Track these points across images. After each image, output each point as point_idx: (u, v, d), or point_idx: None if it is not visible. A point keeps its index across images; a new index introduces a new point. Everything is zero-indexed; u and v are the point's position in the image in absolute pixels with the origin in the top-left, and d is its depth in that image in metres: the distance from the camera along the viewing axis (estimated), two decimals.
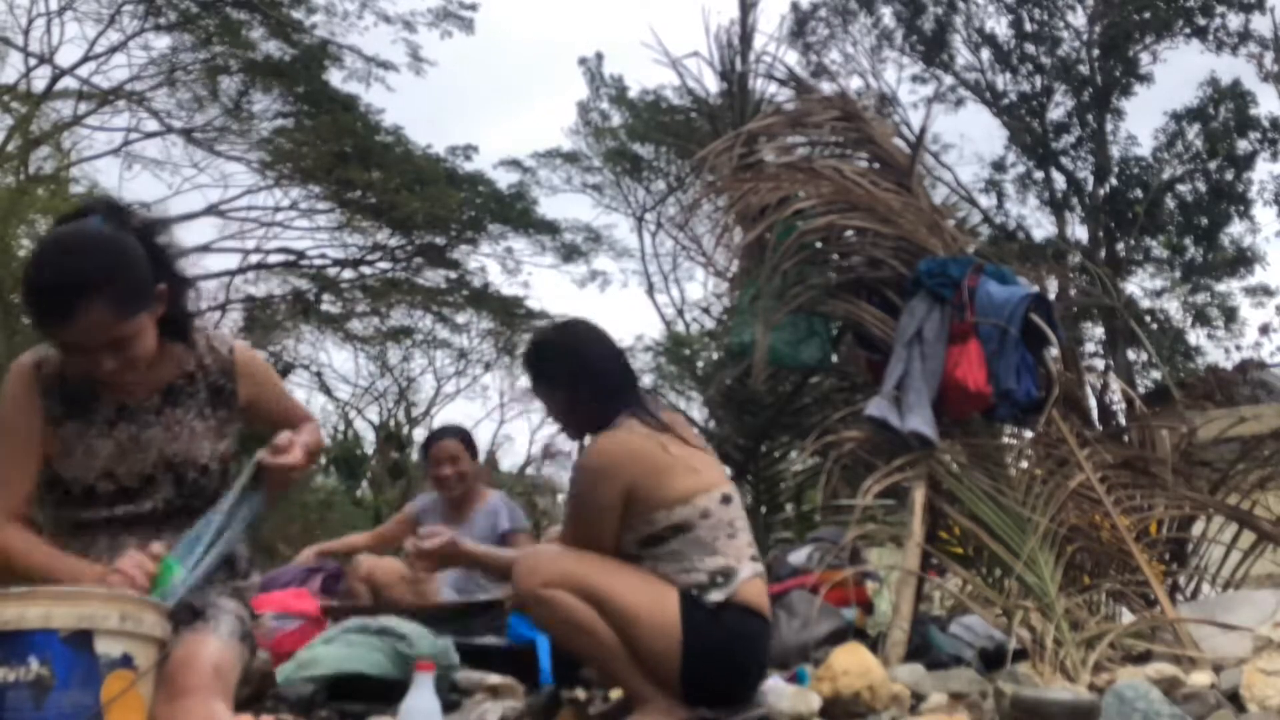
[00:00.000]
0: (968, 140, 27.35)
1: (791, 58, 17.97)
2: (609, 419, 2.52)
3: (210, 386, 2.12)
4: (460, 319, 17.84)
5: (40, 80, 12.55)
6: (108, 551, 1.96)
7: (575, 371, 2.59)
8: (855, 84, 22.65)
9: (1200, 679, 2.59)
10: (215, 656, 1.89)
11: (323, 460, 13.45)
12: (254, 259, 15.38)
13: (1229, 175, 16.90)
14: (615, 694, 2.67)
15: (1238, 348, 16.69)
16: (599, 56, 19.38)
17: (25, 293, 1.89)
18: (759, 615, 2.46)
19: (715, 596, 2.38)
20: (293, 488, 2.16)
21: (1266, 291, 17.37)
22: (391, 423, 18.33)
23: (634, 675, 2.39)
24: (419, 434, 18.22)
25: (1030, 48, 17.71)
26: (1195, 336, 17.42)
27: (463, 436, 4.47)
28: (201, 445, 2.08)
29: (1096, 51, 17.26)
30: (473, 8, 14.53)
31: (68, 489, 2.02)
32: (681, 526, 2.42)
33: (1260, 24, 16.77)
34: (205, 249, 14.91)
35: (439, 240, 15.87)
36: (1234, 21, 16.54)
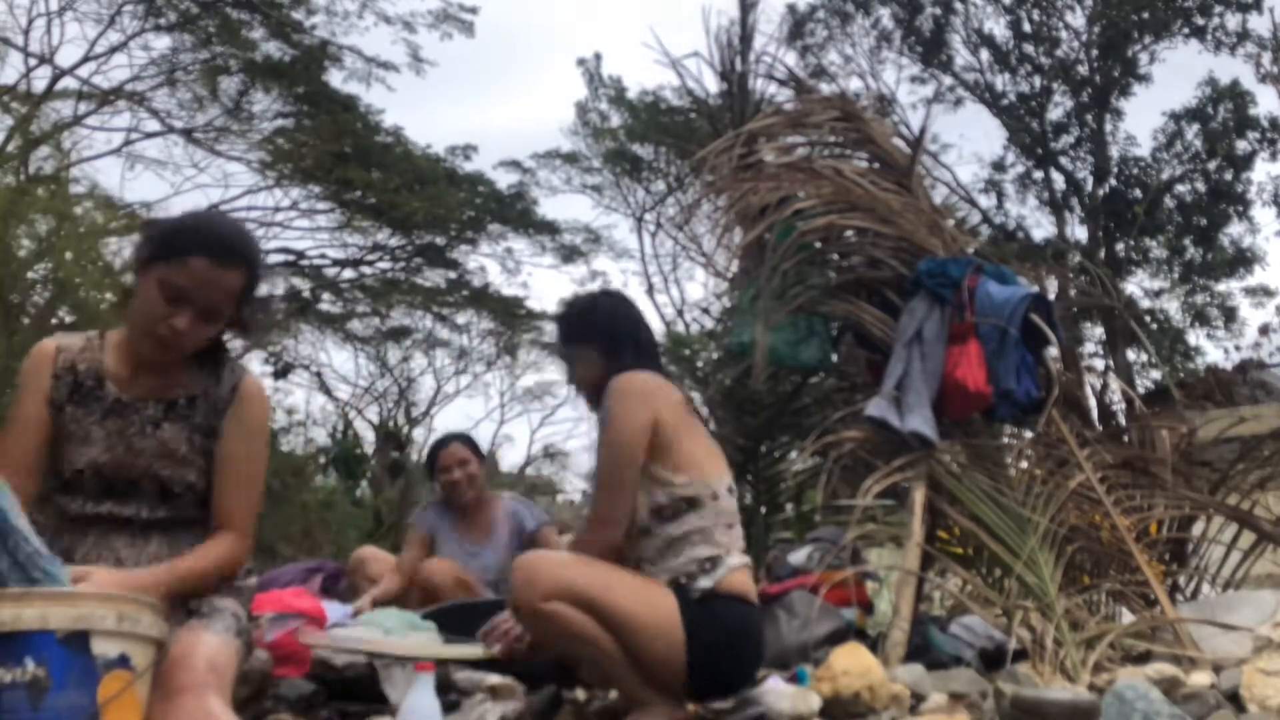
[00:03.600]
0: (967, 140, 27.48)
1: (790, 59, 17.99)
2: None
3: (207, 411, 2.11)
4: (460, 319, 17.84)
5: (40, 80, 12.53)
6: (95, 548, 1.99)
7: (621, 335, 2.62)
8: (854, 85, 22.70)
9: (1200, 679, 2.59)
10: (210, 653, 1.88)
11: (322, 460, 13.44)
12: None
13: (1228, 175, 16.89)
14: (614, 694, 2.67)
15: (1237, 348, 16.68)
16: (598, 57, 19.39)
17: (190, 230, 2.01)
18: (747, 601, 2.49)
19: (703, 584, 2.40)
20: None
21: (1266, 292, 17.37)
22: (391, 423, 18.33)
23: (634, 681, 2.39)
24: (419, 434, 18.23)
25: (1029, 48, 17.71)
26: (1195, 336, 17.43)
27: (468, 441, 4.42)
28: (191, 465, 2.08)
29: (1095, 52, 17.26)
30: (473, 10, 14.52)
31: (60, 474, 2.05)
32: (695, 502, 2.45)
33: (1258, 24, 16.80)
34: None
35: (439, 240, 15.85)
36: (1232, 21, 16.55)
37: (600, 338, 2.64)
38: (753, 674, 2.58)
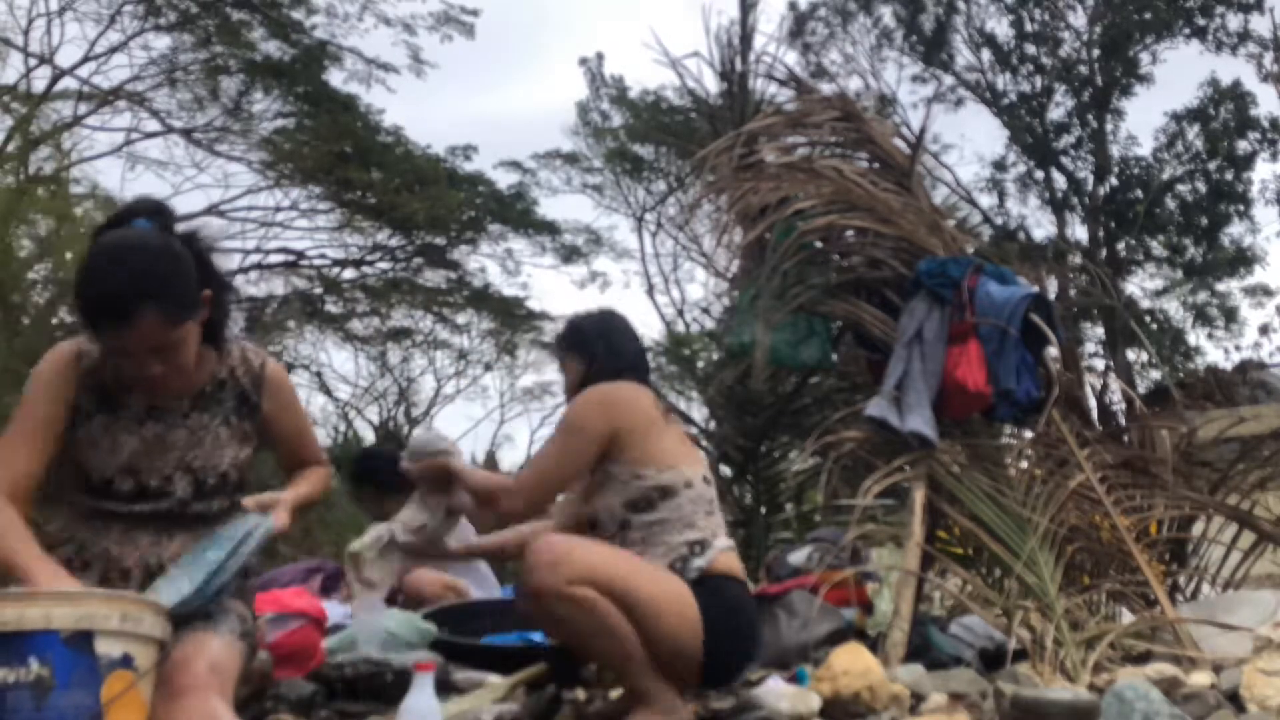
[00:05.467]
0: (968, 140, 27.49)
1: (791, 58, 18.00)
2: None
3: (238, 395, 2.16)
4: (460, 319, 17.84)
5: (40, 80, 12.54)
6: (118, 544, 2.00)
7: (600, 345, 2.73)
8: (855, 84, 22.71)
9: (1200, 679, 2.59)
10: (213, 655, 1.89)
11: None
12: (254, 259, 15.39)
13: (1229, 175, 16.90)
14: (615, 693, 2.68)
15: (1238, 348, 16.71)
16: (600, 56, 19.40)
17: (80, 297, 1.92)
18: (739, 580, 2.54)
19: (697, 564, 2.45)
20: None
21: (1266, 291, 17.37)
22: (391, 423, 18.32)
23: (646, 674, 2.38)
24: (419, 435, 18.21)
25: (1030, 48, 17.71)
26: (1195, 336, 17.44)
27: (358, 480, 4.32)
28: (224, 452, 2.10)
29: (1097, 52, 17.26)
30: (474, 13, 14.53)
31: (88, 478, 2.04)
32: (668, 490, 2.50)
33: (1259, 24, 16.81)
34: None
35: (439, 240, 15.86)
36: (1233, 22, 16.57)
37: (584, 350, 2.76)
38: (755, 653, 2.61)
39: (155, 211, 2.04)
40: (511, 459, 21.16)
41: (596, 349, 2.73)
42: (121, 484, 2.03)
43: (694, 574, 2.44)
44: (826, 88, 5.19)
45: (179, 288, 1.94)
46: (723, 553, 2.51)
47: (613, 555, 2.40)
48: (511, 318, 17.48)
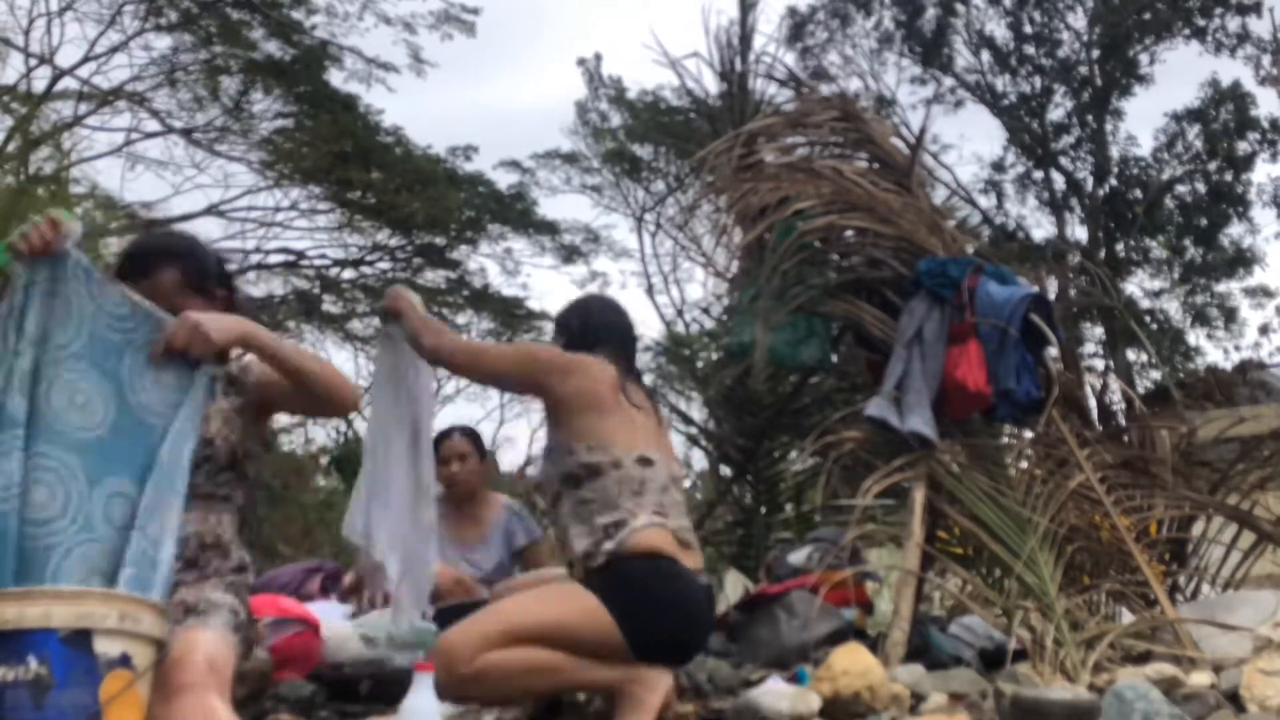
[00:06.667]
0: (967, 141, 27.49)
1: (790, 61, 17.99)
2: None
3: (225, 376, 2.17)
4: (460, 319, 17.82)
5: (40, 81, 12.54)
6: None
7: (575, 321, 2.85)
8: (854, 86, 22.71)
9: (1200, 679, 2.59)
10: (209, 651, 1.88)
11: (324, 461, 13.41)
12: (254, 259, 15.38)
13: (1228, 176, 16.91)
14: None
15: (1237, 348, 16.74)
16: (598, 57, 19.38)
17: (121, 254, 2.21)
18: (658, 556, 2.48)
19: (606, 548, 2.45)
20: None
21: (1266, 292, 17.39)
22: None
23: (602, 671, 2.41)
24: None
25: (1029, 49, 17.72)
26: (1195, 336, 17.45)
27: (470, 434, 4.41)
28: (210, 424, 2.11)
29: (1096, 53, 17.27)
30: (474, 11, 14.54)
31: None
32: (593, 470, 2.52)
33: (1259, 26, 16.82)
34: None
35: (439, 240, 15.86)
36: (1233, 23, 16.58)
37: (563, 328, 2.88)
38: (692, 623, 2.53)
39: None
40: (512, 460, 21.17)
41: (571, 325, 2.84)
42: None
43: (602, 559, 2.44)
44: (826, 89, 5.18)
45: (194, 259, 2.17)
46: (640, 531, 2.46)
47: (490, 612, 2.45)
48: (511, 318, 17.46)
